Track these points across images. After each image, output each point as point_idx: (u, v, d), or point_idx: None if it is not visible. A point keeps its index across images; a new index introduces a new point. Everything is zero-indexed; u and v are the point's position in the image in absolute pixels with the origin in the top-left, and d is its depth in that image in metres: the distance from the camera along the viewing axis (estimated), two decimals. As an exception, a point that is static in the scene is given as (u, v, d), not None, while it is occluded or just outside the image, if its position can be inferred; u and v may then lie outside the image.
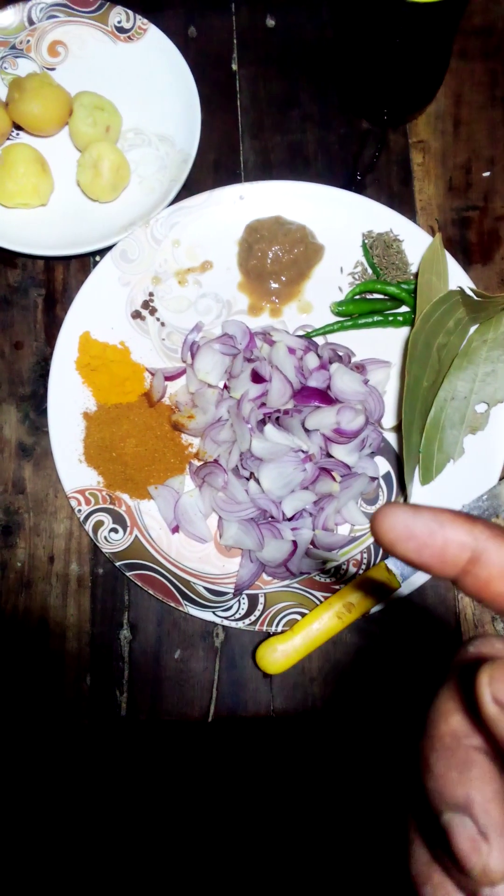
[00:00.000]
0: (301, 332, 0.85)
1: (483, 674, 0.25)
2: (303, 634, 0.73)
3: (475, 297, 0.80)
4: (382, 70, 0.87)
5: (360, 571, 0.78)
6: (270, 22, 0.98)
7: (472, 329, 0.81)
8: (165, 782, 0.77)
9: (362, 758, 0.78)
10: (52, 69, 0.94)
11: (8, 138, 0.91)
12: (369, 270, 0.87)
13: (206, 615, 0.76)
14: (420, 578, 0.76)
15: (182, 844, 0.77)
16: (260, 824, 0.78)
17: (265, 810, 0.77)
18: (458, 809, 0.26)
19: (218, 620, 0.75)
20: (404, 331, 0.85)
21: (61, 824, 0.77)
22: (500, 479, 0.79)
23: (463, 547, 0.28)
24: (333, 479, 0.76)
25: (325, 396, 0.77)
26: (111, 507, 0.79)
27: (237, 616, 0.76)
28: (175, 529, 0.79)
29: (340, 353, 0.82)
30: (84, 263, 0.89)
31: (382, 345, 0.85)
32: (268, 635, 0.77)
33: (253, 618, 0.76)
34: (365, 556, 0.79)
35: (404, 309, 0.85)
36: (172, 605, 0.76)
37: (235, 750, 0.77)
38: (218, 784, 0.77)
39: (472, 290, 0.81)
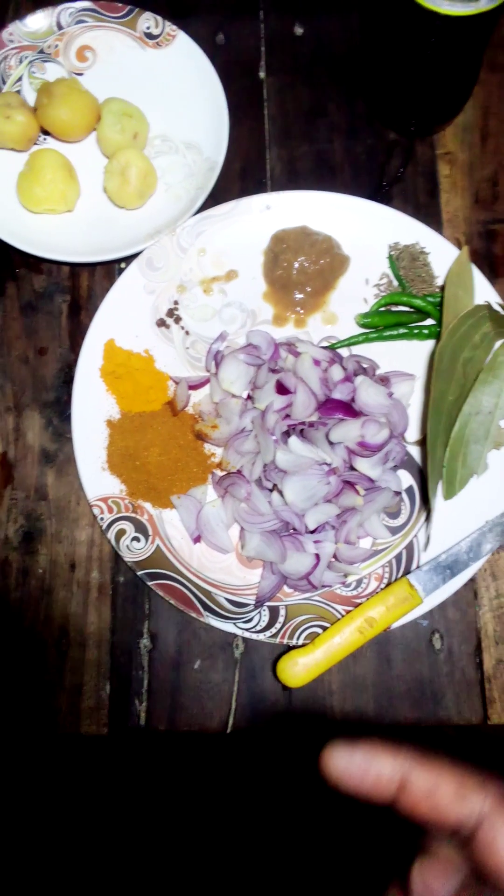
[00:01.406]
0: (326, 344, 0.85)
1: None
2: (324, 648, 0.73)
3: (502, 312, 0.80)
4: (412, 81, 0.87)
5: (382, 586, 0.78)
6: (299, 30, 0.98)
7: (498, 344, 0.81)
8: (183, 792, 0.77)
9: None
10: (80, 74, 0.94)
11: (35, 143, 0.91)
12: (395, 282, 0.86)
13: (227, 626, 0.75)
14: (442, 595, 0.76)
15: (198, 853, 0.77)
16: (275, 835, 0.78)
17: (281, 822, 0.77)
18: None
19: (238, 632, 0.75)
20: (429, 344, 0.85)
21: (79, 831, 0.77)
22: (524, 496, 0.79)
23: (391, 777, 0.32)
24: (357, 492, 0.76)
25: (349, 409, 0.76)
26: (133, 515, 0.79)
27: (258, 628, 0.76)
28: (197, 539, 0.79)
29: (365, 366, 0.82)
30: (109, 270, 0.89)
31: (407, 358, 0.84)
32: (288, 648, 0.77)
33: (274, 630, 0.76)
34: (386, 570, 0.78)
35: (430, 322, 0.85)
36: (193, 615, 0.76)
37: (253, 761, 0.77)
38: (235, 795, 0.77)
39: (498, 304, 0.81)
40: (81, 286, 0.89)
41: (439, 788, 0.31)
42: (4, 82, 0.93)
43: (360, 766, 0.32)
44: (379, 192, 0.92)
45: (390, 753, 0.32)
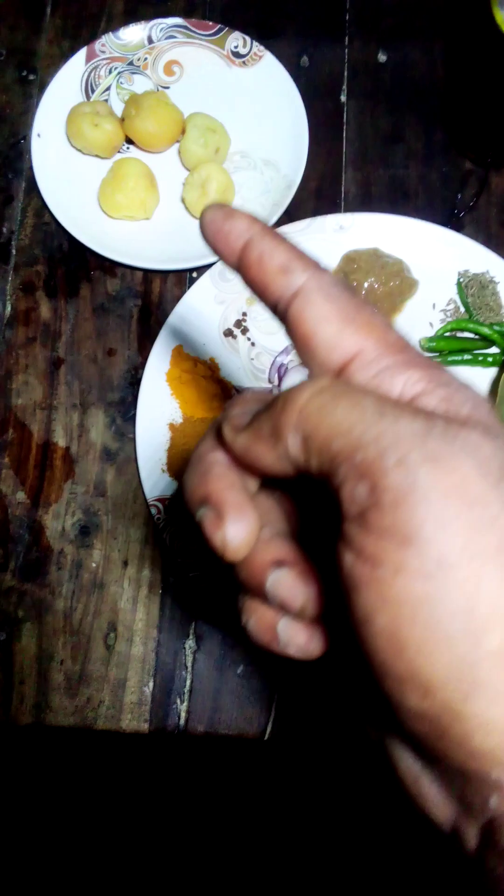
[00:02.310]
0: (389, 365, 0.86)
1: (226, 409, 0.34)
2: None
3: None
4: (493, 111, 0.88)
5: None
6: (382, 57, 1.00)
7: None
8: (219, 795, 0.78)
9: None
10: (167, 87, 0.97)
11: (119, 151, 0.94)
12: (461, 309, 0.87)
13: (273, 635, 0.76)
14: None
15: (224, 857, 0.78)
16: (305, 840, 0.78)
17: (307, 832, 0.78)
18: (203, 504, 0.31)
19: (284, 641, 0.76)
20: (493, 371, 0.85)
21: (113, 823, 0.79)
22: None
23: (239, 236, 0.33)
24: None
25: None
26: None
27: (303, 639, 0.76)
28: (249, 547, 0.80)
29: (427, 389, 0.82)
30: (181, 278, 0.91)
31: (470, 384, 0.85)
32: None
33: (319, 642, 0.76)
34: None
35: (494, 350, 0.86)
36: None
37: (291, 768, 0.78)
38: (271, 799, 0.78)
39: None
40: (153, 292, 0.91)
41: (271, 257, 0.32)
42: (93, 91, 0.97)
43: (222, 219, 0.34)
44: (451, 220, 0.93)
45: (248, 219, 0.33)
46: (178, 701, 0.79)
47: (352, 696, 0.33)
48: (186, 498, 0.32)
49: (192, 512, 0.31)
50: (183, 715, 0.78)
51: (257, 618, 0.33)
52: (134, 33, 0.97)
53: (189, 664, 0.80)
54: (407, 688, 0.24)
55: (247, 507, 0.30)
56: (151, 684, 0.79)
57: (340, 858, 0.76)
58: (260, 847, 0.77)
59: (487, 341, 0.85)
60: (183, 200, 0.90)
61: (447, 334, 0.86)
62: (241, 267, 0.34)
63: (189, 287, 0.87)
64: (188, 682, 0.79)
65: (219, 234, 0.34)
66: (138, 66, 0.98)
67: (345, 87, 0.98)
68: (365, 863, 0.76)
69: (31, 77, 0.99)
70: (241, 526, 0.30)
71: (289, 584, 0.31)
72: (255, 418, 0.30)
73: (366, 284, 0.86)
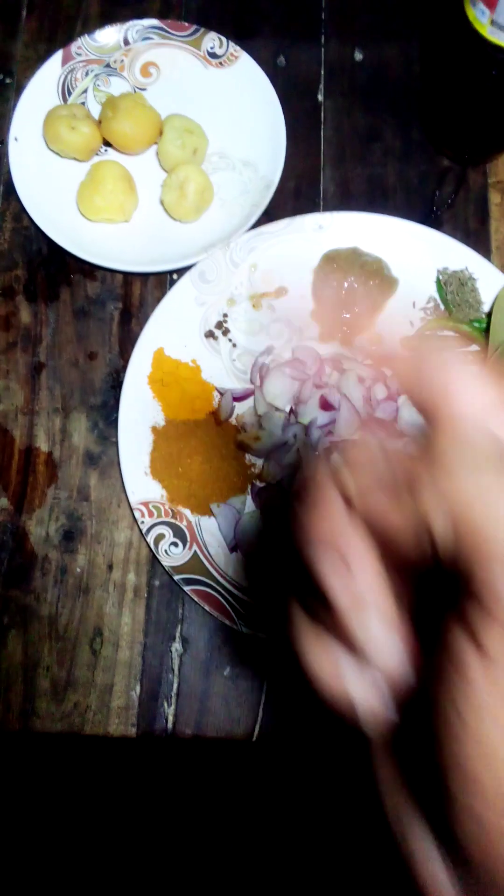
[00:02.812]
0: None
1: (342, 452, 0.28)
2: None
3: (548, 342, 0.81)
4: (469, 110, 0.88)
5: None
6: (358, 55, 1.00)
7: (543, 373, 0.81)
8: (208, 797, 0.78)
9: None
10: (144, 89, 0.97)
11: (97, 154, 0.94)
12: (442, 307, 0.87)
13: (260, 635, 0.76)
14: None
15: (215, 858, 0.78)
16: (291, 844, 0.78)
17: (297, 833, 0.78)
18: (321, 543, 0.27)
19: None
20: (473, 369, 0.85)
21: (103, 829, 0.78)
22: None
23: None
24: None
25: (392, 428, 0.78)
26: (173, 521, 0.80)
27: (289, 639, 0.76)
28: (234, 548, 0.80)
29: (409, 387, 0.82)
30: (161, 281, 0.91)
31: (451, 381, 0.85)
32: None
33: (305, 642, 0.76)
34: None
35: (475, 348, 0.86)
36: (227, 622, 0.77)
37: (278, 770, 0.78)
38: (257, 803, 0.78)
39: (545, 334, 0.82)
40: (133, 294, 0.91)
41: None
42: (70, 94, 0.96)
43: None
44: (430, 218, 0.93)
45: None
46: (166, 704, 0.79)
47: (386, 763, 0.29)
48: (298, 531, 0.28)
49: (308, 551, 0.27)
50: (170, 718, 0.78)
51: (329, 661, 0.28)
52: (110, 35, 0.97)
53: (176, 667, 0.80)
54: (478, 796, 0.22)
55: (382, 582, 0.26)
56: (138, 688, 0.79)
57: (330, 858, 0.77)
58: (250, 849, 0.77)
59: (468, 339, 0.86)
60: (162, 202, 0.90)
61: (428, 332, 0.86)
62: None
63: (169, 289, 0.87)
64: (175, 686, 0.79)
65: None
66: (115, 68, 0.98)
67: (322, 86, 0.99)
68: (355, 863, 0.76)
69: (8, 80, 0.99)
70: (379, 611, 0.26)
71: (388, 637, 0.27)
72: (393, 481, 0.26)
73: (345, 284, 0.86)
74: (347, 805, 0.78)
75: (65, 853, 0.80)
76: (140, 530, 0.80)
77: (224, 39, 0.96)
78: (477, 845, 0.23)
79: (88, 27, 1.00)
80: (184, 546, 0.79)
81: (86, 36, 0.97)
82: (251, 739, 0.77)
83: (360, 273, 0.86)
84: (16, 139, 0.92)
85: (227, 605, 0.77)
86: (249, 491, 0.82)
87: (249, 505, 0.82)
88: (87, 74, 0.97)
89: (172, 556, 0.79)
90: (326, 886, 0.76)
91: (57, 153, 0.93)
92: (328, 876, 0.76)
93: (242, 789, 0.78)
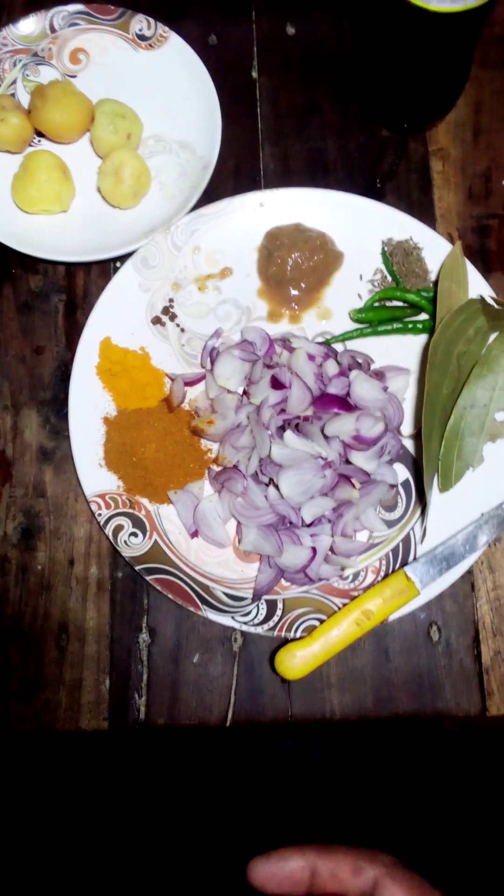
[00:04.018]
0: (320, 339, 0.85)
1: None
2: (322, 641, 0.73)
3: (495, 306, 0.80)
4: (403, 78, 0.88)
5: (379, 578, 0.78)
6: (291, 30, 0.99)
7: (492, 337, 0.81)
8: (183, 785, 0.78)
9: (377, 763, 0.79)
10: (74, 76, 0.95)
11: (30, 145, 0.92)
12: (389, 278, 0.87)
13: (225, 620, 0.76)
14: (439, 587, 0.77)
15: (196, 845, 0.78)
16: (273, 827, 0.78)
17: (280, 813, 0.78)
18: None
19: (236, 625, 0.76)
20: (423, 338, 0.85)
21: (78, 824, 0.78)
22: (519, 487, 0.79)
23: (303, 869, 0.39)
24: (353, 485, 0.76)
25: (344, 403, 0.77)
26: (131, 511, 0.79)
27: (256, 621, 0.76)
28: (194, 534, 0.79)
29: (360, 360, 0.82)
30: (105, 269, 0.90)
31: (401, 352, 0.85)
32: (286, 641, 0.77)
33: (271, 623, 0.76)
34: (384, 563, 0.79)
35: (423, 317, 0.86)
36: (191, 609, 0.76)
37: (253, 754, 0.78)
38: (234, 787, 0.78)
39: (492, 298, 0.82)
40: (77, 285, 0.89)
41: (340, 869, 0.39)
42: (-1, 85, 0.94)
43: (277, 867, 0.39)
44: (372, 189, 0.93)
45: (297, 851, 0.39)
46: (137, 696, 0.78)
47: None
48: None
49: None
50: (142, 709, 0.78)
51: None
52: (35, 23, 0.95)
53: (144, 658, 0.79)
54: None
55: None
56: (108, 682, 0.78)
57: (308, 840, 0.76)
58: (228, 833, 0.77)
59: (416, 308, 0.85)
60: (99, 189, 0.89)
61: (376, 304, 0.86)
62: (314, 889, 0.39)
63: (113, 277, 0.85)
64: (145, 677, 0.78)
65: (280, 880, 0.39)
66: (43, 57, 0.96)
67: (255, 62, 0.97)
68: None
69: None
70: None
71: None
72: None
73: (290, 260, 0.85)
74: (323, 786, 0.78)
75: (43, 848, 0.79)
76: (98, 523, 0.79)
77: (152, 21, 0.95)
78: None
79: (15, 17, 0.98)
80: (143, 536, 0.78)
81: (10, 25, 0.95)
82: (224, 725, 0.77)
83: (304, 248, 0.85)
84: None
85: (191, 592, 0.77)
86: (206, 475, 0.81)
87: (207, 489, 0.81)
88: (14, 65, 0.95)
89: (132, 546, 0.78)
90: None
91: (-11, 146, 0.91)
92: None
93: (219, 775, 0.78)
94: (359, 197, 0.87)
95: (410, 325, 0.85)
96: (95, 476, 0.80)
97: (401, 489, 0.81)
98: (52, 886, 0.78)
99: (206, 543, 0.79)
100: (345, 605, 0.76)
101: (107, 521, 0.78)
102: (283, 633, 0.76)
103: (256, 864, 0.40)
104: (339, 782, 0.79)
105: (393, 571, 0.78)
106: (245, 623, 0.76)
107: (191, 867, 0.78)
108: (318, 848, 0.39)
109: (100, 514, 0.78)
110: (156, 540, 0.78)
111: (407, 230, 0.86)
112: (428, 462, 0.77)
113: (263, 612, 0.76)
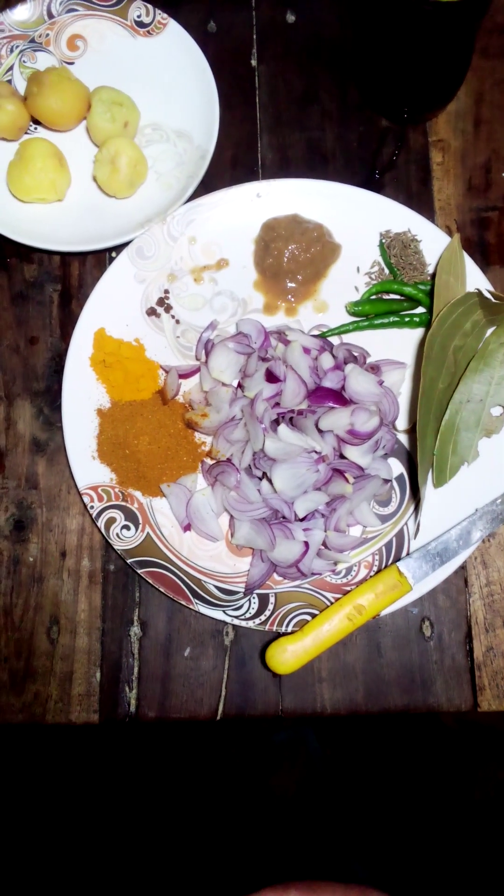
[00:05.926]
0: (316, 332, 0.85)
1: None
2: (313, 636, 0.73)
3: (493, 300, 0.80)
4: (403, 68, 0.87)
5: (372, 573, 0.78)
6: (291, 17, 0.97)
7: (489, 331, 0.81)
8: (173, 778, 0.78)
9: (372, 755, 0.79)
10: (71, 63, 0.94)
11: (26, 132, 0.91)
12: (386, 270, 0.86)
13: (217, 614, 0.76)
14: (431, 583, 0.76)
15: (188, 839, 0.78)
16: (265, 819, 0.78)
17: (269, 806, 0.78)
18: None
19: (228, 619, 0.75)
20: (420, 332, 0.84)
21: (70, 817, 0.78)
22: (515, 483, 0.79)
23: None
24: (346, 480, 0.76)
25: (339, 397, 0.76)
26: (124, 504, 0.79)
27: (247, 615, 0.76)
28: (187, 528, 0.79)
29: (356, 354, 0.81)
30: (100, 259, 0.89)
31: (398, 346, 0.84)
32: (277, 635, 0.77)
33: (263, 617, 0.76)
34: (376, 558, 0.78)
35: (420, 310, 0.85)
36: (183, 602, 0.76)
37: (244, 748, 0.78)
38: (225, 780, 0.78)
39: (490, 292, 0.81)
40: (72, 275, 0.89)
41: None
42: (-5, 72, 0.93)
43: None
44: (371, 180, 0.92)
45: (281, 893, 0.40)
46: (127, 689, 0.78)
47: None
48: None
49: None
50: (133, 702, 0.77)
51: None
52: (30, 10, 0.94)
53: (135, 651, 0.79)
54: None
55: None
56: (99, 674, 0.78)
57: (300, 833, 0.76)
58: (219, 826, 0.77)
59: (413, 301, 0.85)
60: (94, 178, 0.88)
61: (373, 297, 0.85)
62: None
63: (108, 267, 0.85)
64: (136, 670, 0.78)
65: None
66: (40, 43, 0.95)
67: (254, 50, 0.96)
68: (322, 837, 0.76)
69: None
70: None
71: None
72: None
73: (287, 252, 0.84)
74: (315, 780, 0.78)
75: (34, 841, 0.79)
76: (90, 515, 0.79)
77: (151, 7, 0.93)
78: None
79: (11, 2, 0.97)
80: (136, 528, 0.78)
81: (7, 11, 0.93)
82: (215, 719, 0.77)
83: (301, 240, 0.85)
84: None
85: (182, 586, 0.76)
86: (200, 469, 0.81)
87: (200, 483, 0.81)
88: (11, 51, 0.94)
89: (125, 539, 0.78)
90: (292, 859, 0.76)
91: (-16, 134, 0.90)
92: (294, 849, 0.76)
93: (209, 768, 0.77)
94: (357, 188, 0.86)
95: (407, 319, 0.84)
96: (88, 468, 0.79)
97: (395, 484, 0.81)
98: (43, 878, 0.78)
99: (199, 537, 0.79)
100: (337, 599, 0.76)
101: (99, 514, 0.78)
102: (274, 628, 0.75)
103: None
104: (332, 774, 0.79)
105: (386, 566, 0.78)
106: (237, 617, 0.76)
107: (182, 859, 0.78)
108: (304, 887, 0.38)
109: (92, 507, 0.78)
110: (148, 533, 0.78)
111: (405, 222, 0.86)
112: (422, 457, 0.76)
113: (255, 606, 0.76)
